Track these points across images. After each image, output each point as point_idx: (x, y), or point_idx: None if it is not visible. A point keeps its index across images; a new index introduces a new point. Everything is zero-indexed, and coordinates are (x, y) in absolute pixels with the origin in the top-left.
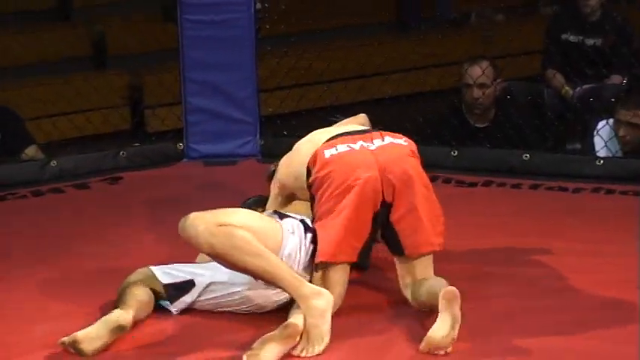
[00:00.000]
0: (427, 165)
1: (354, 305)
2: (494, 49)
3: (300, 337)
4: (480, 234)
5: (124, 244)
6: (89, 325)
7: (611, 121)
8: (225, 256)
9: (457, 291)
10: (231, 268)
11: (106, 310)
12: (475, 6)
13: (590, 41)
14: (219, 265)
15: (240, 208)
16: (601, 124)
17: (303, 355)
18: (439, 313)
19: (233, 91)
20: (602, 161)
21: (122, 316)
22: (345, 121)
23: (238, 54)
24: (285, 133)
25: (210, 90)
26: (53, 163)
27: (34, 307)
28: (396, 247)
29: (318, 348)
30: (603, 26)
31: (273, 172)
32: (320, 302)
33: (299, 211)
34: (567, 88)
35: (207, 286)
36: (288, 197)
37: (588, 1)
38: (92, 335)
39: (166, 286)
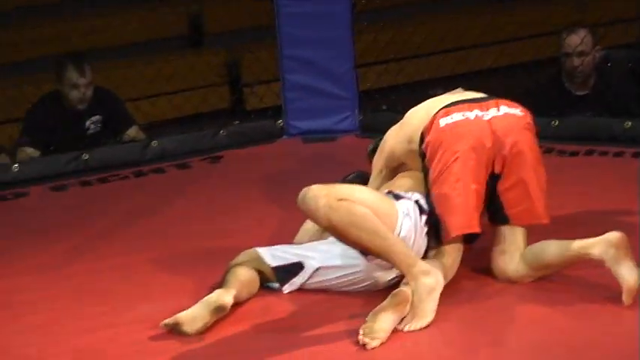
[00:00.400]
0: None
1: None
2: (591, 16)
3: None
4: (582, 203)
5: (228, 224)
6: (193, 304)
7: None
8: (343, 231)
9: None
10: (345, 242)
11: (210, 290)
12: None
13: None
14: (327, 248)
15: (360, 185)
16: None
17: (406, 329)
18: (616, 263)
19: (330, 67)
20: None
21: (222, 296)
22: (442, 96)
23: (335, 29)
24: (384, 107)
25: (308, 66)
26: (154, 143)
27: (140, 286)
28: (501, 217)
29: (422, 324)
30: None
31: (375, 149)
32: (429, 280)
33: (404, 185)
34: None
35: (317, 270)
36: (394, 170)
37: None
38: (193, 316)
39: (275, 268)
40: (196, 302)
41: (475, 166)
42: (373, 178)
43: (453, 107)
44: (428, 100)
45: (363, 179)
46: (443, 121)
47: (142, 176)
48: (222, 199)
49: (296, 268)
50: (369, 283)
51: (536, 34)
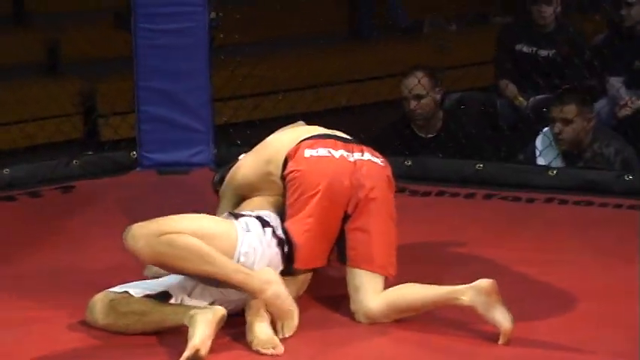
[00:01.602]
0: None
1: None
2: (450, 58)
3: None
4: (432, 243)
5: (76, 252)
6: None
7: (546, 129)
8: (170, 265)
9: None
10: (181, 274)
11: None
12: (427, 15)
13: (543, 52)
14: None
15: (190, 214)
16: (548, 128)
17: (286, 335)
18: (489, 310)
19: (187, 100)
20: (554, 171)
21: (217, 310)
22: (283, 129)
23: (192, 63)
24: (239, 142)
25: (164, 98)
26: (6, 171)
27: None
28: (343, 256)
29: (293, 322)
30: (557, 37)
31: (222, 179)
32: (272, 288)
33: (248, 206)
34: (521, 98)
35: (188, 294)
36: (244, 196)
37: (543, 12)
38: (202, 339)
39: (144, 298)
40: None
41: (329, 205)
42: (221, 207)
43: (320, 140)
44: (289, 127)
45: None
46: (308, 152)
47: None
48: (71, 227)
49: (164, 297)
50: (235, 300)
51: (392, 73)
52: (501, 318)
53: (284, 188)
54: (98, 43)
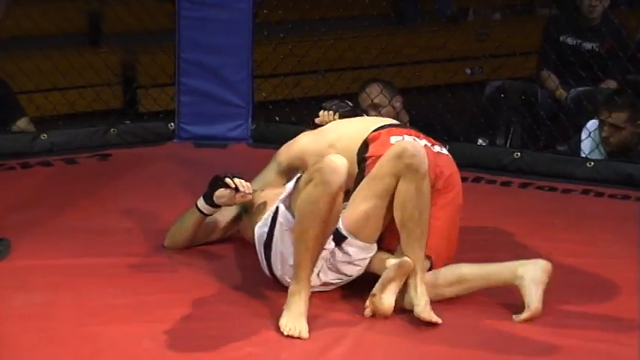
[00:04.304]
0: None
1: None
2: (491, 47)
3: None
4: (467, 230)
5: (108, 219)
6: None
7: (590, 123)
8: None
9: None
10: None
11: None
12: (474, 3)
13: (588, 45)
14: None
15: None
16: (592, 122)
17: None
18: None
19: (227, 74)
20: (592, 163)
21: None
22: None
23: (234, 37)
24: (277, 119)
25: (205, 72)
26: (43, 136)
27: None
28: None
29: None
30: (602, 31)
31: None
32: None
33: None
34: (561, 89)
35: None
36: (287, 171)
37: (594, 5)
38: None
39: None
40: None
41: None
42: (270, 168)
43: (402, 129)
44: (354, 118)
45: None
46: (394, 139)
47: (29, 168)
48: (106, 196)
49: None
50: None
51: (434, 58)
52: (535, 298)
53: (361, 170)
54: (141, 15)
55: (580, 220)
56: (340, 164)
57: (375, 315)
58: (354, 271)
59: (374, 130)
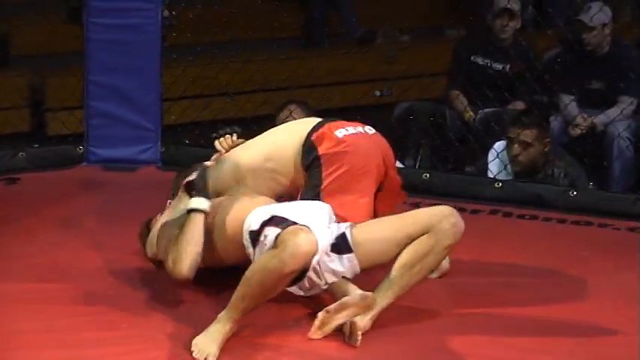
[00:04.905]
0: None
1: None
2: (400, 69)
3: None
4: None
5: (18, 245)
6: None
7: (497, 144)
8: None
9: None
10: None
11: None
12: (381, 25)
13: (497, 66)
14: None
15: None
16: (499, 144)
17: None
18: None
19: (136, 97)
20: (500, 184)
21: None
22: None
23: (143, 60)
24: (187, 142)
25: (114, 95)
26: None
27: None
28: None
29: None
30: (512, 52)
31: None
32: None
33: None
34: (470, 111)
35: None
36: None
37: (506, 26)
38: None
39: None
40: None
41: (375, 183)
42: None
43: (336, 122)
44: (283, 125)
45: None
46: (339, 132)
47: None
48: (14, 221)
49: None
50: None
51: (343, 81)
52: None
53: (312, 172)
54: (49, 37)
55: (488, 240)
56: (304, 252)
57: (315, 329)
58: (323, 284)
59: (313, 130)
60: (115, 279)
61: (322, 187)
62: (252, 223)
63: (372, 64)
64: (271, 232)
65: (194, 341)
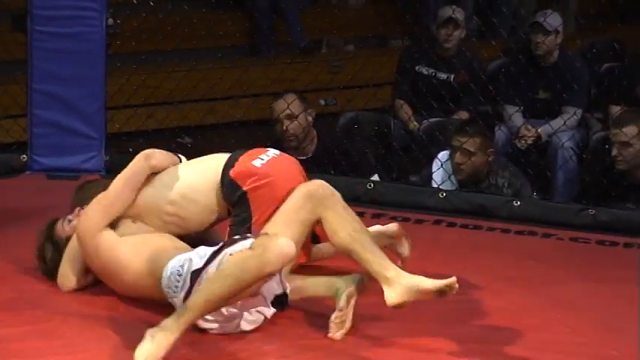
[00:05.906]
0: None
1: None
2: (345, 78)
3: None
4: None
5: None
6: None
7: (441, 154)
8: None
9: None
10: None
11: None
12: (327, 35)
13: (442, 75)
14: None
15: None
16: (443, 153)
17: None
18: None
19: (80, 106)
20: (444, 194)
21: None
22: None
23: (87, 69)
24: (131, 150)
25: (57, 103)
26: None
27: None
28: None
29: None
30: (456, 62)
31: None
32: None
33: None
34: (414, 120)
35: None
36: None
37: (450, 35)
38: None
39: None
40: None
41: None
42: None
43: (248, 152)
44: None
45: None
46: (257, 162)
47: None
48: None
49: None
50: None
51: (289, 90)
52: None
53: (242, 208)
54: None
55: (432, 250)
56: (287, 253)
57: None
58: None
59: (228, 167)
60: (54, 286)
61: (253, 220)
62: (192, 262)
63: (316, 73)
64: (237, 246)
65: (141, 347)
